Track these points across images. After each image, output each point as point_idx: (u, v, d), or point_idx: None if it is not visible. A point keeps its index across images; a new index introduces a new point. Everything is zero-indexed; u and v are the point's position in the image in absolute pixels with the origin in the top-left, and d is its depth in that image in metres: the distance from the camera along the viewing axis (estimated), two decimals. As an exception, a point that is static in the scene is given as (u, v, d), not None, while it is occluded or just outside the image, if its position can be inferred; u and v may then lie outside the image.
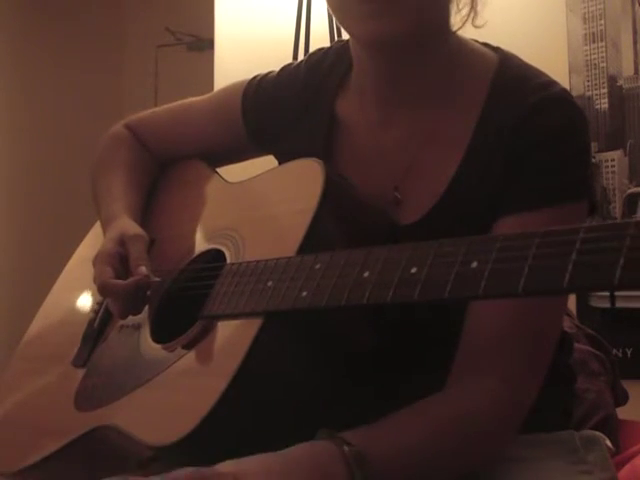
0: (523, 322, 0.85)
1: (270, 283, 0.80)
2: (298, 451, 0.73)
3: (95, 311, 1.06)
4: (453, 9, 0.95)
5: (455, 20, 0.96)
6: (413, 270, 0.68)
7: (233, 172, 1.13)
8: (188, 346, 0.86)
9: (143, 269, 0.94)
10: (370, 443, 0.75)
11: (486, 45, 0.99)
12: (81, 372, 1.00)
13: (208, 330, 0.86)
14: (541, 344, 0.87)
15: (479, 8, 0.96)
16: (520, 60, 0.96)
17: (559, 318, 0.91)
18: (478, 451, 0.84)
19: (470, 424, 0.82)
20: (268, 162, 1.08)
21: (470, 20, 0.95)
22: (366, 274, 0.71)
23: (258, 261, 0.85)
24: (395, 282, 0.68)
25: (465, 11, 0.95)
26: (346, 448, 0.72)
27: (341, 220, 0.88)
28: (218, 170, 1.13)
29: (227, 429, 0.77)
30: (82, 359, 1.02)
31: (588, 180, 0.91)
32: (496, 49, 0.98)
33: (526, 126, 0.88)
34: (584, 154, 0.91)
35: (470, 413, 0.82)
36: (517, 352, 0.85)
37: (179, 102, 1.19)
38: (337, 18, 0.95)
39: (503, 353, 0.85)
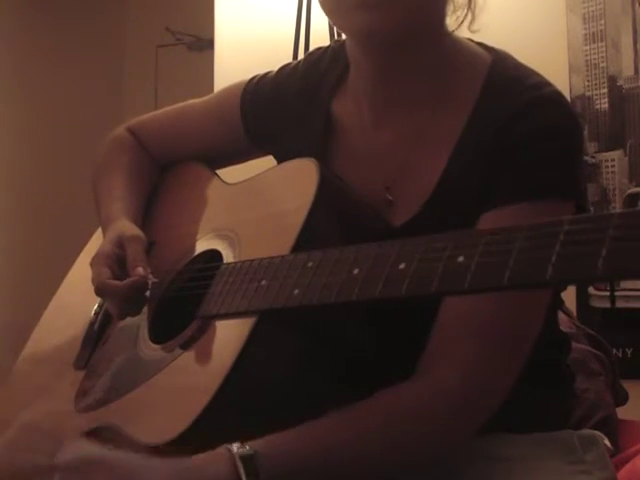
0: (498, 321, 0.83)
1: (264, 282, 0.81)
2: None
3: (96, 313, 1.06)
4: (449, 9, 0.94)
5: (451, 21, 0.95)
6: (401, 266, 0.68)
7: (233, 173, 1.13)
8: (184, 346, 0.86)
9: (140, 270, 0.94)
10: (275, 443, 0.74)
11: (481, 45, 0.98)
12: (81, 374, 1.01)
13: (204, 330, 0.86)
14: (516, 345, 0.85)
15: (477, 12, 0.95)
16: (514, 60, 0.96)
17: (537, 320, 0.87)
18: (419, 447, 0.82)
19: (415, 420, 0.80)
20: (268, 163, 1.08)
21: (467, 22, 0.95)
22: (356, 271, 0.71)
23: (253, 260, 0.85)
24: (383, 278, 0.69)
25: (462, 13, 0.95)
26: (235, 449, 0.72)
27: (336, 219, 0.88)
28: (219, 172, 1.14)
29: (221, 428, 0.77)
30: (82, 361, 1.03)
31: (577, 181, 0.90)
32: (490, 49, 0.97)
33: (514, 126, 0.88)
34: (571, 154, 0.90)
35: (419, 409, 0.80)
36: (489, 351, 0.83)
37: (179, 105, 1.19)
38: (327, 13, 0.94)
39: (473, 350, 0.83)
